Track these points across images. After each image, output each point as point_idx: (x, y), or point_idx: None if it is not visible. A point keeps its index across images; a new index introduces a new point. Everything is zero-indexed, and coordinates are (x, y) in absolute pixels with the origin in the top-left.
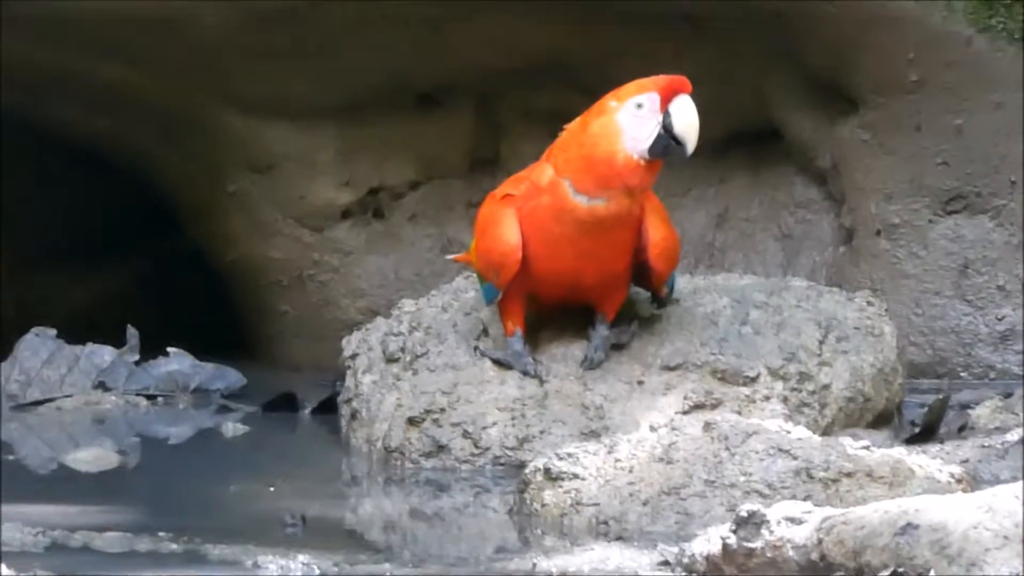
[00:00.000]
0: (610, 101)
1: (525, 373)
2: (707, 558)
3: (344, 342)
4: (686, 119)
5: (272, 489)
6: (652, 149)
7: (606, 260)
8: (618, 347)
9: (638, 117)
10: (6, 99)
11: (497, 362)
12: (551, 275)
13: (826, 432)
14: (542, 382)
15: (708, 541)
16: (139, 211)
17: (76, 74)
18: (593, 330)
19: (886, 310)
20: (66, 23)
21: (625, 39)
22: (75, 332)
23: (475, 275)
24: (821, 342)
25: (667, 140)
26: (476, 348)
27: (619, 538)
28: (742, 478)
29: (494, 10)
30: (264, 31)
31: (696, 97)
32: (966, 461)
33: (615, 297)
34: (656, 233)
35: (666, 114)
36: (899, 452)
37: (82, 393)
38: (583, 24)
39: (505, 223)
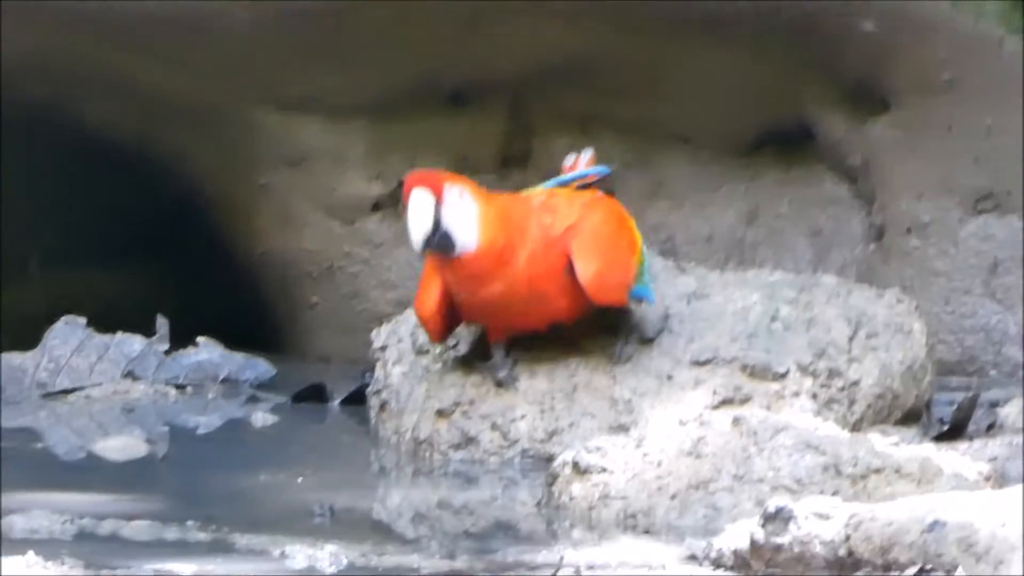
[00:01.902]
0: None
1: (499, 384)
2: (735, 553)
3: (374, 334)
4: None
5: (300, 480)
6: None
7: (539, 309)
8: (647, 342)
9: None
10: (38, 96)
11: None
12: (498, 328)
13: (855, 428)
14: (511, 385)
15: (736, 536)
16: (170, 203)
17: (108, 71)
18: (619, 327)
19: (916, 307)
20: (99, 21)
21: (657, 42)
22: (105, 324)
23: None
24: (851, 339)
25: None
26: (464, 358)
27: (646, 532)
28: (770, 473)
29: (526, 11)
30: (298, 30)
31: (727, 97)
32: (994, 459)
33: (616, 309)
34: (585, 272)
35: None
36: (928, 449)
37: (111, 382)
38: (616, 27)
39: (428, 284)
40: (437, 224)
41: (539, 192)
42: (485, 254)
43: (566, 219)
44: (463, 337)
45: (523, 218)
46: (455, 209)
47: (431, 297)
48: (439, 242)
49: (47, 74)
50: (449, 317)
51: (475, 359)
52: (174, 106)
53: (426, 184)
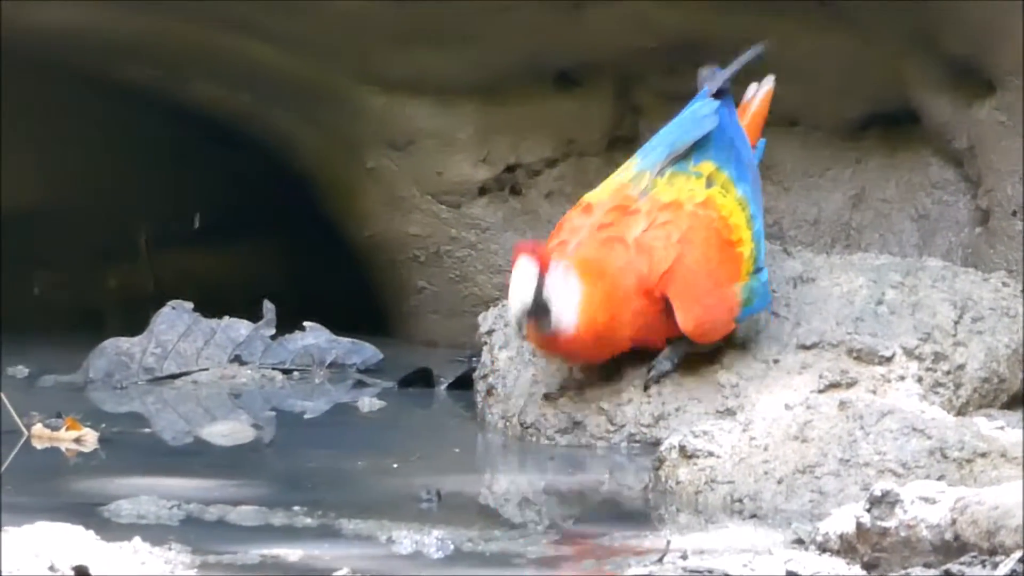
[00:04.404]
0: None
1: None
2: (841, 537)
3: (480, 318)
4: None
5: (396, 466)
6: None
7: (644, 345)
8: (694, 358)
9: None
10: (145, 76)
11: None
12: None
13: (960, 412)
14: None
15: (842, 520)
16: (276, 187)
17: (215, 51)
18: (672, 343)
19: (1022, 291)
20: (205, 1)
21: (763, 22)
22: (212, 306)
23: None
24: (956, 322)
25: None
26: None
27: (753, 516)
28: (876, 457)
29: None
30: (404, 10)
31: (833, 77)
32: None
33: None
34: (688, 322)
35: None
36: None
37: (218, 367)
38: (722, 6)
39: None
40: (538, 297)
41: (647, 198)
42: (583, 336)
43: (662, 263)
44: None
45: (627, 289)
46: (558, 285)
47: None
48: (536, 314)
49: (154, 55)
50: None
51: None
52: (280, 87)
53: (533, 255)
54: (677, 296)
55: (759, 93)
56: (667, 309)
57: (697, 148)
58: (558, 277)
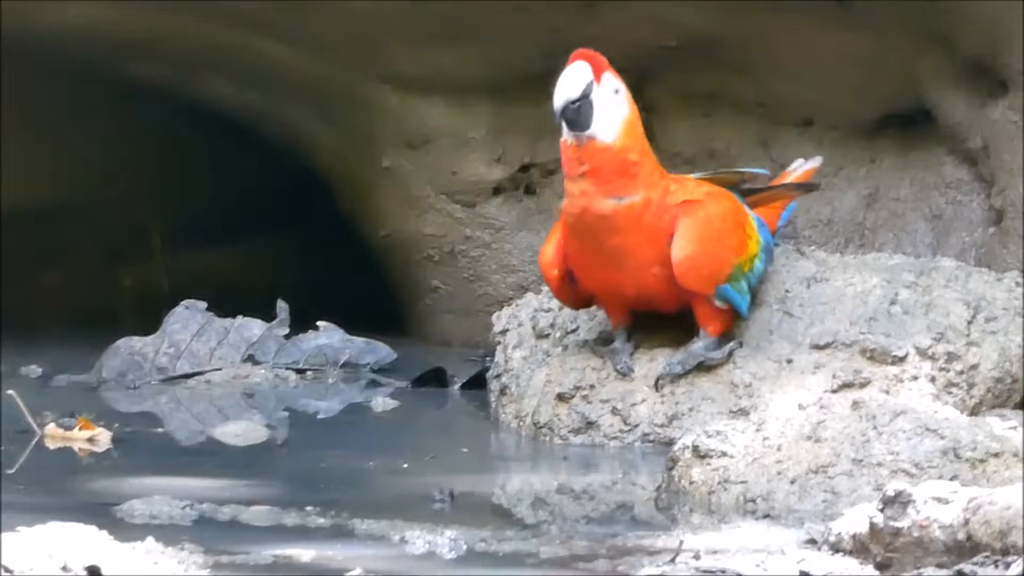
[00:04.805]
0: None
1: (617, 371)
2: (853, 537)
3: (494, 318)
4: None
5: (407, 466)
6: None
7: (633, 267)
8: (706, 367)
9: None
10: (159, 74)
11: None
12: (593, 284)
13: (974, 412)
14: (625, 376)
15: (855, 520)
16: (291, 185)
17: (227, 49)
18: (689, 343)
19: None
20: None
21: (778, 20)
22: (225, 306)
23: None
24: (970, 322)
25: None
26: (586, 342)
27: (766, 516)
28: (889, 457)
29: None
30: (418, 9)
31: (848, 77)
32: None
33: (703, 311)
34: (680, 250)
35: None
36: None
37: (231, 366)
38: (736, 5)
39: (551, 236)
40: (585, 95)
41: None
42: (615, 157)
43: (688, 194)
44: (584, 322)
45: (657, 167)
46: (606, 95)
47: (551, 246)
48: (578, 111)
49: (162, 54)
50: (568, 270)
51: (596, 344)
52: (293, 85)
53: (590, 61)
54: (683, 227)
55: (804, 167)
56: (664, 247)
57: (735, 190)
58: (610, 88)
